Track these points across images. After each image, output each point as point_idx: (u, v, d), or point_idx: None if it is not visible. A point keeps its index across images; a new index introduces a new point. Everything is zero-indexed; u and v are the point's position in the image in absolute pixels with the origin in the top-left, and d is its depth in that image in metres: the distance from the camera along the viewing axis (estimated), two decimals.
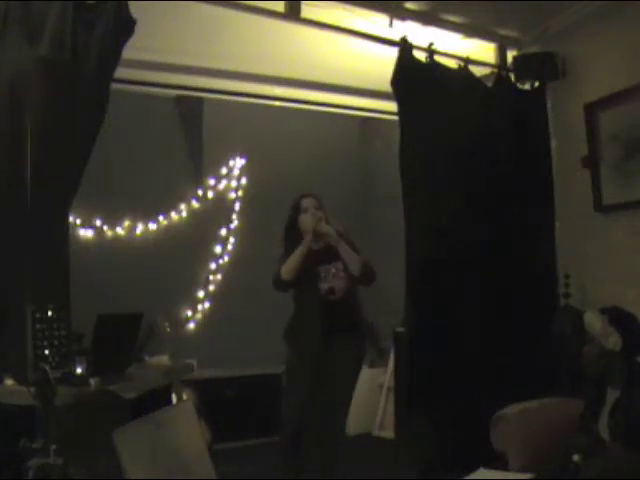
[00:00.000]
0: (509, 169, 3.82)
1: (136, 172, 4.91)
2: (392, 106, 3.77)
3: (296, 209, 3.46)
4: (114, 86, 2.84)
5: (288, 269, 3.29)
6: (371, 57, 4.02)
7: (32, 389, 2.09)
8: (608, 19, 3.61)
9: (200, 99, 5.18)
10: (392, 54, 3.52)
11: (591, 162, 3.70)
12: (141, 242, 5.10)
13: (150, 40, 3.44)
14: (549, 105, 4.03)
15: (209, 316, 5.32)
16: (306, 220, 3.37)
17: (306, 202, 3.44)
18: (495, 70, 4.03)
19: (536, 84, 4.02)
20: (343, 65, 4.32)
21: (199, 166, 5.38)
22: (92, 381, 2.60)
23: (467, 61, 3.77)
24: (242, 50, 4.08)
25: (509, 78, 3.99)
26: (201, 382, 4.45)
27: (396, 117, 3.65)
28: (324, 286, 3.32)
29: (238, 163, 5.56)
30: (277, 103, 4.97)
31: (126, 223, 5.06)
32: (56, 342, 2.20)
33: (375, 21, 3.61)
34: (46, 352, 2.17)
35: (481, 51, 4.04)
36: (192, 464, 2.74)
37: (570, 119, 3.86)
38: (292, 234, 3.43)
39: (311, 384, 3.37)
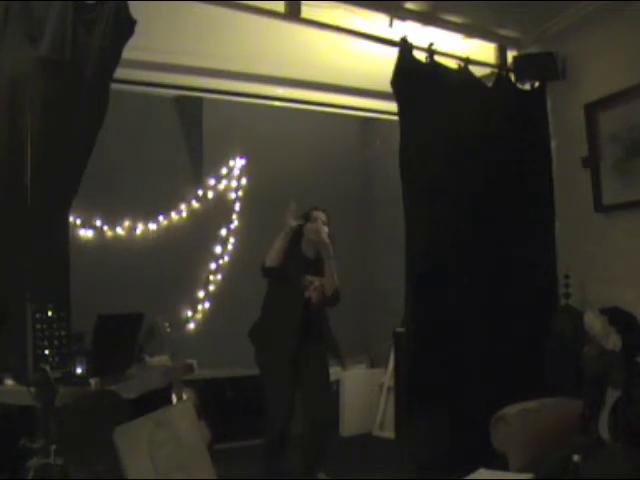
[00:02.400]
0: (509, 169, 3.82)
1: (136, 172, 4.91)
2: (392, 106, 3.77)
3: (305, 218, 3.64)
4: (114, 86, 2.84)
5: (271, 255, 3.49)
6: (371, 57, 4.02)
7: (32, 389, 2.09)
8: (608, 19, 3.61)
9: (200, 99, 5.18)
10: (392, 54, 3.52)
11: (591, 162, 3.70)
12: (141, 242, 5.09)
13: (150, 40, 3.44)
14: (549, 105, 4.03)
15: (209, 316, 5.31)
16: (310, 228, 3.57)
17: (316, 214, 3.65)
18: (495, 70, 4.03)
19: (536, 84, 4.03)
20: (343, 65, 4.32)
21: (199, 166, 5.37)
22: (92, 381, 2.60)
23: (467, 61, 3.78)
24: (242, 50, 4.08)
25: (509, 78, 3.99)
26: (201, 382, 4.45)
27: (396, 117, 3.66)
28: (306, 294, 3.53)
29: (238, 163, 5.55)
30: (277, 103, 4.97)
31: (126, 223, 5.06)
32: (56, 342, 2.20)
33: (375, 21, 3.61)
34: (46, 352, 2.17)
35: (481, 51, 4.04)
36: (192, 464, 2.74)
37: (570, 119, 3.86)
38: (295, 238, 3.59)
39: (291, 386, 3.52)
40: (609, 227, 3.64)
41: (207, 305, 5.34)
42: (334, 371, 4.13)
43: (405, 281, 3.51)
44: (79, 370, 2.67)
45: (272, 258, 3.47)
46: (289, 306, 3.54)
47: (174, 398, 3.60)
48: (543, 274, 3.83)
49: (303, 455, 3.57)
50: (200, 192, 5.38)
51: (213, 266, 5.40)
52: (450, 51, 3.79)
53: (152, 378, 3.15)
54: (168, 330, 4.45)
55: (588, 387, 2.76)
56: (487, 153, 3.76)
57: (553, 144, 4.00)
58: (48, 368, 2.10)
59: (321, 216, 3.64)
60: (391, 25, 3.62)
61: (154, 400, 3.00)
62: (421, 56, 3.61)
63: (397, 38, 3.56)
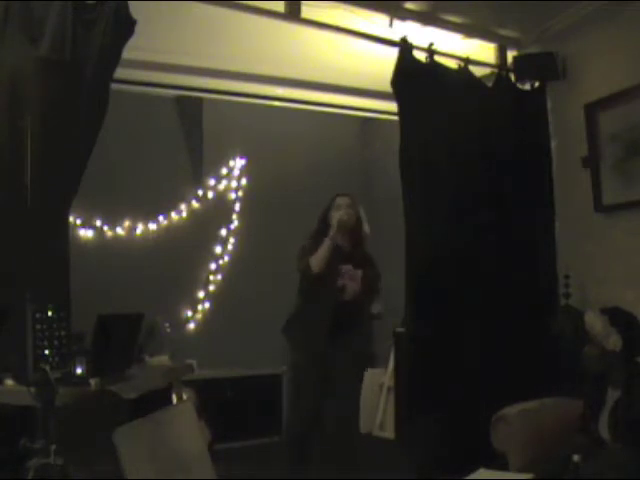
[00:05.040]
0: (509, 169, 3.82)
1: (136, 172, 4.91)
2: (392, 106, 3.77)
3: (330, 205, 3.53)
4: (114, 86, 2.84)
5: (318, 262, 3.37)
6: (371, 57, 4.02)
7: (32, 389, 2.08)
8: (608, 19, 3.61)
9: (200, 99, 5.18)
10: (392, 54, 3.52)
11: (591, 162, 3.70)
12: (141, 242, 5.09)
13: (150, 40, 3.44)
14: (549, 105, 4.03)
15: (209, 316, 5.31)
16: (336, 217, 3.44)
17: (340, 200, 3.53)
18: (495, 70, 4.03)
19: (536, 84, 4.03)
20: (343, 65, 4.32)
21: (199, 166, 5.37)
22: (92, 381, 2.59)
23: (467, 61, 3.78)
24: (242, 50, 4.08)
25: (509, 78, 3.99)
26: (201, 382, 4.44)
27: (396, 117, 3.65)
28: (340, 282, 3.40)
29: (238, 163, 5.55)
30: (277, 103, 4.97)
31: (126, 223, 5.06)
32: (56, 342, 2.20)
33: (375, 21, 3.61)
34: (46, 352, 2.17)
35: (481, 51, 4.04)
36: (192, 464, 2.74)
37: (570, 119, 3.86)
38: (322, 228, 3.50)
39: (320, 382, 3.41)
40: (609, 227, 3.64)
41: (207, 305, 5.33)
42: None
43: (405, 281, 3.51)
44: (79, 370, 2.67)
45: (319, 264, 3.36)
46: (322, 298, 3.42)
47: (174, 398, 3.60)
48: (543, 274, 3.83)
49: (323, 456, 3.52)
50: (200, 192, 5.38)
51: (213, 266, 5.40)
52: (450, 51, 3.79)
53: (152, 378, 3.14)
54: (168, 330, 4.45)
55: (588, 387, 2.77)
56: (487, 153, 3.76)
57: (553, 144, 4.00)
58: (48, 368, 2.10)
59: (346, 202, 3.51)
60: (391, 25, 3.62)
61: (154, 400, 2.99)
62: (421, 56, 3.61)
63: (397, 38, 3.56)
